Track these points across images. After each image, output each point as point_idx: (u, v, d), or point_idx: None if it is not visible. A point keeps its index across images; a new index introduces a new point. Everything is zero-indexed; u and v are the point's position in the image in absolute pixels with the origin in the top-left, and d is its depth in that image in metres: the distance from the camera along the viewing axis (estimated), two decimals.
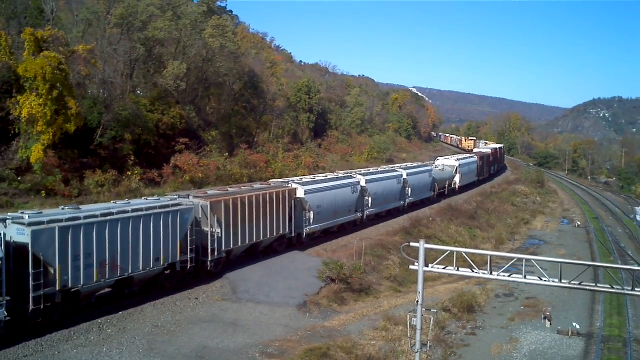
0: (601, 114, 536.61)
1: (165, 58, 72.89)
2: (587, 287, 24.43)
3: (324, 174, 64.30)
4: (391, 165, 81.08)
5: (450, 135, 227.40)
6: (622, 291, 23.59)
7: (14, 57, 52.98)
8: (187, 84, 74.93)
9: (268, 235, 45.80)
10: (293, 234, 49.92)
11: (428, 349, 25.51)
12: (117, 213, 32.62)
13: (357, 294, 44.58)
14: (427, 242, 26.05)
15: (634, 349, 39.66)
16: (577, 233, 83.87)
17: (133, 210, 33.65)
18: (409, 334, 23.75)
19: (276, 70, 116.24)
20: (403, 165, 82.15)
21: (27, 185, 49.81)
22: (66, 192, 51.07)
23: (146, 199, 38.62)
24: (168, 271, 37.09)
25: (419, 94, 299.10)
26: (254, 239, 44.09)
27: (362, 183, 61.29)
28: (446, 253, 24.15)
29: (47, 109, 48.42)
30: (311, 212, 51.57)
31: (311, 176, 60.03)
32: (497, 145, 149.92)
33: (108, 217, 31.79)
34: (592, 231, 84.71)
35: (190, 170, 62.75)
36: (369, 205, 62.82)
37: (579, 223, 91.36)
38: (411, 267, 24.15)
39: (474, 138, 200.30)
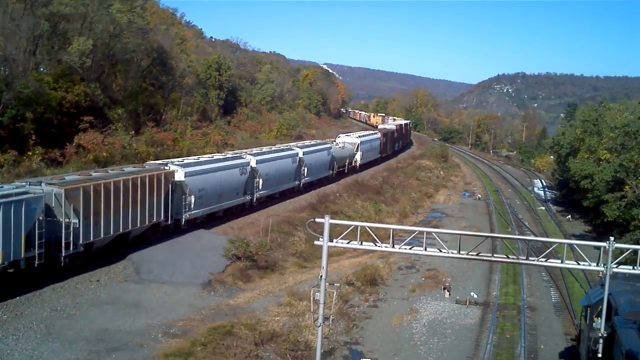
0: (505, 90, 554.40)
1: (70, 34, 70.21)
2: (485, 258, 25.53)
3: (209, 155, 58.98)
4: (287, 144, 77.30)
5: (360, 112, 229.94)
6: (518, 261, 24.74)
7: None
8: (93, 60, 72.52)
9: (138, 224, 41.10)
10: (170, 222, 45.58)
11: (331, 322, 26.01)
12: None
13: (263, 271, 44.90)
14: (333, 218, 26.52)
15: (527, 315, 41.71)
16: (478, 206, 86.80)
17: None
18: (312, 309, 24.09)
19: (186, 47, 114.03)
20: (300, 143, 79.36)
21: None
22: None
23: None
24: (12, 270, 32.43)
25: (330, 70, 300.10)
26: (121, 229, 39.29)
27: (253, 164, 57.96)
28: (350, 228, 24.59)
29: None
30: (192, 197, 47.81)
31: (195, 157, 55.86)
32: (403, 122, 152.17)
33: None
34: (492, 204, 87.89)
35: (94, 149, 60.98)
36: (260, 187, 59.60)
37: (479, 196, 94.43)
38: (316, 242, 24.48)
39: (383, 114, 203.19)
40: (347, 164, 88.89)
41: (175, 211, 46.17)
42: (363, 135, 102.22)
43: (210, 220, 52.23)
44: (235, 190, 55.25)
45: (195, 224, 49.38)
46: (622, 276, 28.00)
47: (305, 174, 71.44)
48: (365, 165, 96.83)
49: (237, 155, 59.02)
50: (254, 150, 63.88)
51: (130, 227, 40.35)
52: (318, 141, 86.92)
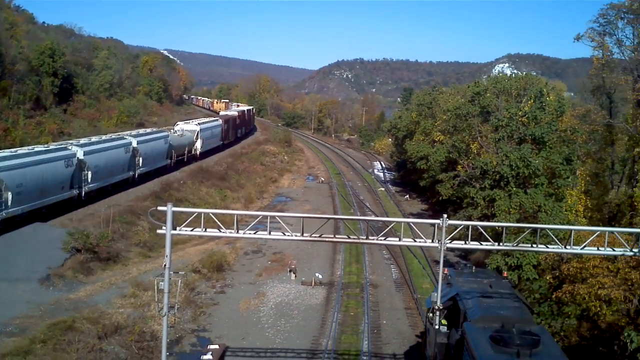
0: (345, 75, 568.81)
1: None
2: (327, 239, 26.09)
3: (29, 147, 52.21)
4: (118, 133, 71.65)
5: (202, 98, 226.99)
6: (359, 240, 25.41)
7: None
8: None
9: None
10: None
11: (176, 311, 25.60)
12: None
13: (105, 262, 43.47)
14: (177, 206, 26.08)
15: (370, 293, 43.28)
16: (321, 189, 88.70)
17: None
18: (157, 299, 23.60)
19: (16, 32, 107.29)
20: (134, 132, 73.97)
21: None
22: None
23: None
24: None
25: (171, 56, 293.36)
26: None
27: (80, 155, 53.16)
28: (194, 215, 24.27)
29: None
30: (9, 193, 43.55)
31: (12, 150, 50.10)
32: (246, 108, 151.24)
33: None
34: (335, 186, 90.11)
35: None
36: (89, 180, 54.83)
37: (323, 179, 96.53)
38: (159, 231, 23.93)
39: (227, 100, 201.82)
40: (186, 152, 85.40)
41: None
42: (203, 122, 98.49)
43: (36, 218, 47.83)
44: (60, 185, 50.46)
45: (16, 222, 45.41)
46: (469, 272, 27.95)
47: (141, 164, 67.48)
48: (206, 153, 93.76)
49: (62, 146, 53.63)
50: (82, 141, 58.27)
51: None
52: (154, 129, 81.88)
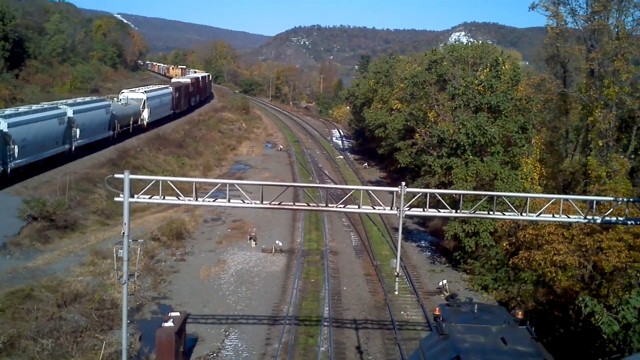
0: (302, 42, 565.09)
1: None
2: (287, 207, 26.29)
3: None
4: (52, 102, 63.54)
5: (158, 64, 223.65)
6: (318, 208, 25.63)
7: None
8: None
9: None
10: None
11: (136, 279, 25.59)
12: None
13: (63, 231, 43.12)
14: (134, 173, 25.94)
15: (330, 260, 43.75)
16: (280, 156, 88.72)
17: None
18: (116, 267, 23.57)
19: None
20: (70, 100, 66.70)
21: None
22: None
23: None
24: None
25: (125, 21, 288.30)
26: None
27: (4, 128, 47.88)
28: (152, 182, 24.16)
29: None
30: None
31: None
32: (201, 75, 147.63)
33: None
34: (294, 154, 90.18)
35: None
36: (16, 155, 49.31)
37: (281, 147, 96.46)
38: (116, 199, 23.79)
39: (184, 67, 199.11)
40: (131, 122, 78.86)
41: None
42: (151, 90, 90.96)
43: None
44: None
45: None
46: (469, 312, 18.32)
47: (78, 136, 61.42)
48: (154, 124, 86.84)
49: None
50: (6, 111, 52.62)
51: None
52: (93, 98, 74.60)
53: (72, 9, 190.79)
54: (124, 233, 23.07)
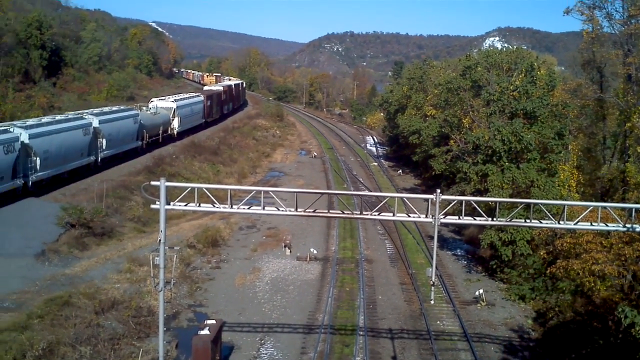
0: (335, 49, 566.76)
1: None
2: (322, 214, 26.14)
3: None
4: (78, 112, 61.39)
5: (192, 72, 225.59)
6: (353, 216, 25.55)
7: None
8: None
9: None
10: None
11: (172, 286, 25.76)
12: None
13: (100, 238, 43.57)
14: (170, 180, 26.13)
15: (365, 268, 43.57)
16: (314, 163, 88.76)
17: None
18: (152, 274, 23.74)
19: (1, 3, 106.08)
20: (96, 110, 64.55)
21: None
22: None
23: None
24: None
25: (159, 29, 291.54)
26: None
27: (25, 139, 46.24)
28: (188, 190, 24.30)
29: None
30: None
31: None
32: (234, 82, 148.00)
33: None
34: (328, 161, 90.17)
35: None
36: (37, 167, 47.75)
37: (315, 154, 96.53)
38: (152, 206, 23.98)
39: (218, 74, 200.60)
40: (161, 132, 77.04)
41: None
42: (181, 99, 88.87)
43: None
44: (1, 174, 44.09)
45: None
46: None
47: (104, 147, 59.98)
48: (185, 133, 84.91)
49: (4, 129, 46.28)
50: (28, 122, 50.52)
51: None
52: (121, 107, 71.73)
53: (107, 17, 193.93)
54: (160, 240, 23.23)
